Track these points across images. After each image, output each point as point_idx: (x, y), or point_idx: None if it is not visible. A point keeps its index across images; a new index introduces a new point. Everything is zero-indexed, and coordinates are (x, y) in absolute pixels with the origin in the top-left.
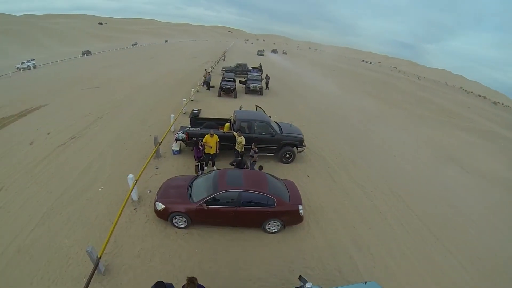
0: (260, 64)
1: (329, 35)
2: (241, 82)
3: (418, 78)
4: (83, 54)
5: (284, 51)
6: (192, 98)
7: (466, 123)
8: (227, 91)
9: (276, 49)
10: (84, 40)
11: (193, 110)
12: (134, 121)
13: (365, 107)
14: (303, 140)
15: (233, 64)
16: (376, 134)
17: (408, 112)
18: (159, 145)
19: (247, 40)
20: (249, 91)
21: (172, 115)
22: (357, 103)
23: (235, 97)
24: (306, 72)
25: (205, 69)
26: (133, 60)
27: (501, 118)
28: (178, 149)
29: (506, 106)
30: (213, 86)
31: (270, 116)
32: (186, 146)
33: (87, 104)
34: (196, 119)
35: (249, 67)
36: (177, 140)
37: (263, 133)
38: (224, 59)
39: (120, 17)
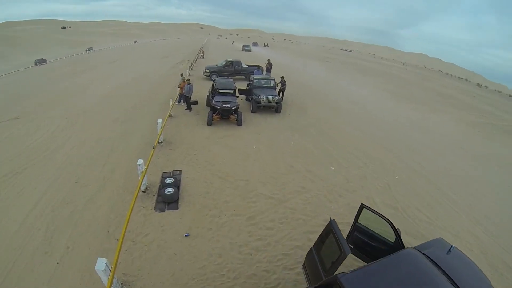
0: (269, 60)
1: (302, 26)
2: (241, 91)
3: (403, 64)
4: (36, 63)
5: (266, 44)
6: (161, 140)
7: (499, 121)
8: (224, 114)
9: (257, 42)
10: (47, 46)
11: (162, 178)
12: (32, 232)
13: (410, 117)
14: None
15: (219, 62)
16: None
17: (450, 115)
18: None
19: (220, 35)
20: (259, 107)
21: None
22: (397, 110)
23: (239, 124)
24: (306, 67)
25: (181, 75)
26: (90, 67)
27: (508, 107)
28: None
29: (485, 86)
30: (197, 102)
31: None
32: None
33: None
34: None
35: (244, 65)
36: None
37: None
38: (202, 57)
39: (88, 20)
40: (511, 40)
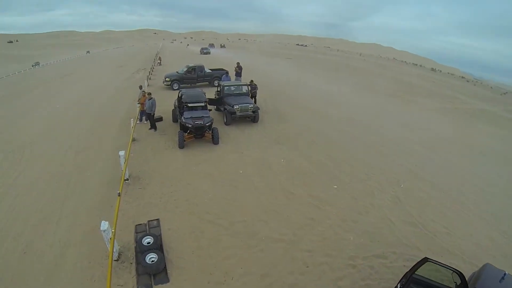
0: (238, 63)
1: (256, 25)
2: (211, 102)
3: (360, 55)
4: None
5: (222, 45)
6: (126, 177)
7: (464, 105)
8: (198, 133)
9: (213, 44)
10: None
11: (136, 235)
12: None
13: (390, 112)
14: None
15: (180, 69)
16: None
17: (421, 105)
18: None
19: (174, 40)
20: (234, 118)
21: None
22: (374, 105)
23: (216, 143)
24: (269, 66)
25: (140, 87)
26: (37, 85)
27: (465, 89)
28: None
29: (439, 70)
30: (161, 119)
31: None
32: None
33: None
34: None
35: (208, 70)
36: None
37: None
38: (160, 64)
39: (37, 32)
40: (457, 27)
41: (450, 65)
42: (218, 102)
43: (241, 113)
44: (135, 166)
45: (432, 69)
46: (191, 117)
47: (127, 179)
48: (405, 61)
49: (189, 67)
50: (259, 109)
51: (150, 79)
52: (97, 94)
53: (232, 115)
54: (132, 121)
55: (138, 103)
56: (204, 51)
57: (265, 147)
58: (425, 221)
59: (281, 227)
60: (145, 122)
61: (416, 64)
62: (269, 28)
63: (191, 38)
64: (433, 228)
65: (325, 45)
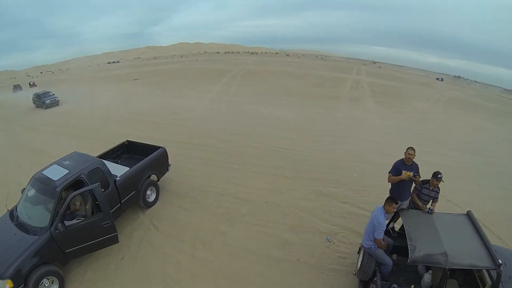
0: None
1: (55, 51)
2: None
3: (181, 56)
4: None
5: (32, 83)
6: None
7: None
8: None
9: (19, 85)
10: None
11: None
12: None
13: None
14: None
15: (21, 201)
16: None
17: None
18: None
19: None
20: None
21: None
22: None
23: None
24: (154, 97)
25: None
26: None
27: (321, 66)
28: None
29: (266, 53)
30: None
31: None
32: None
33: None
34: None
35: (109, 163)
36: None
37: None
38: None
39: None
40: (255, 11)
41: (256, 45)
42: None
43: None
44: None
45: (254, 53)
46: None
47: None
48: (218, 52)
49: (62, 192)
50: None
51: None
52: None
53: None
54: None
55: None
56: (47, 102)
57: None
58: None
59: None
60: None
61: (232, 52)
62: (71, 51)
63: None
64: None
65: (135, 56)
